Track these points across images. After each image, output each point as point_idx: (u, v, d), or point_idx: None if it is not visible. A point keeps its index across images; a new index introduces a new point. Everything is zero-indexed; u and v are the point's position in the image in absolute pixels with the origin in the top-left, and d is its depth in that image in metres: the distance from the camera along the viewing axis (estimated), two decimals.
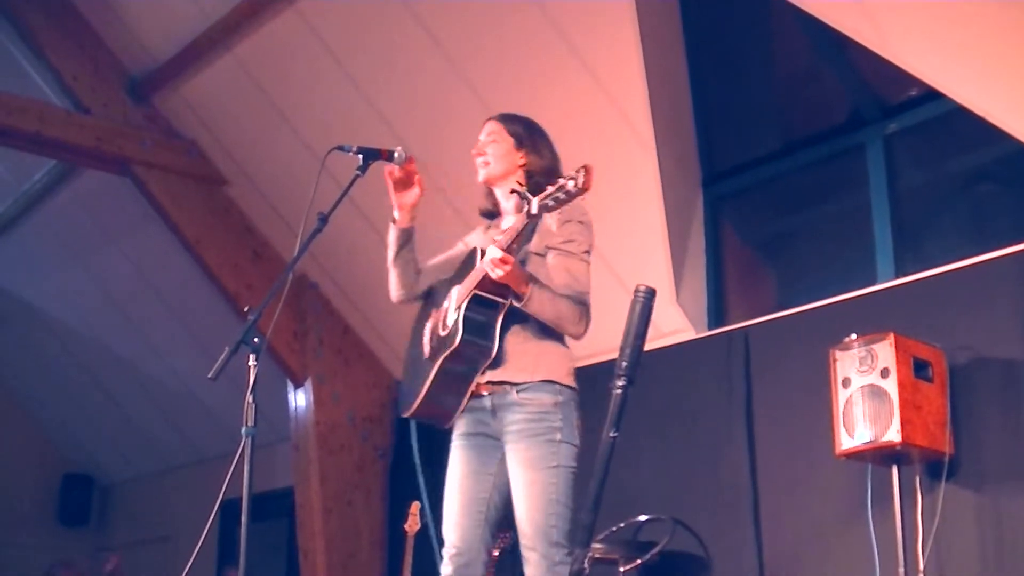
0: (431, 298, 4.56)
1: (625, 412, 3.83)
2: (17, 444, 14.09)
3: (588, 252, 4.30)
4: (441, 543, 4.36)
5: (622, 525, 6.61)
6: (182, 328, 11.34)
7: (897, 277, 6.42)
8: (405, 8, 7.44)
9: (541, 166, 4.42)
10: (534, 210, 3.86)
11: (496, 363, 4.17)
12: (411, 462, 7.54)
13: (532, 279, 4.09)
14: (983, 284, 5.81)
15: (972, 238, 6.38)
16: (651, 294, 3.88)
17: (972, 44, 5.54)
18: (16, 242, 11.76)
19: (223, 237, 9.61)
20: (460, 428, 4.37)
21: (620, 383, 3.86)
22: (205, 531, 4.04)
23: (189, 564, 4.16)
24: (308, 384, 9.58)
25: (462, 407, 4.28)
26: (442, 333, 4.27)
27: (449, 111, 7.63)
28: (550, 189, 3.83)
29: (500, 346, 4.15)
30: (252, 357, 3.85)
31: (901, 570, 5.35)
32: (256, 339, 3.85)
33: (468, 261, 4.32)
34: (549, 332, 4.26)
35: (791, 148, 7.29)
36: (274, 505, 10.51)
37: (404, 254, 4.48)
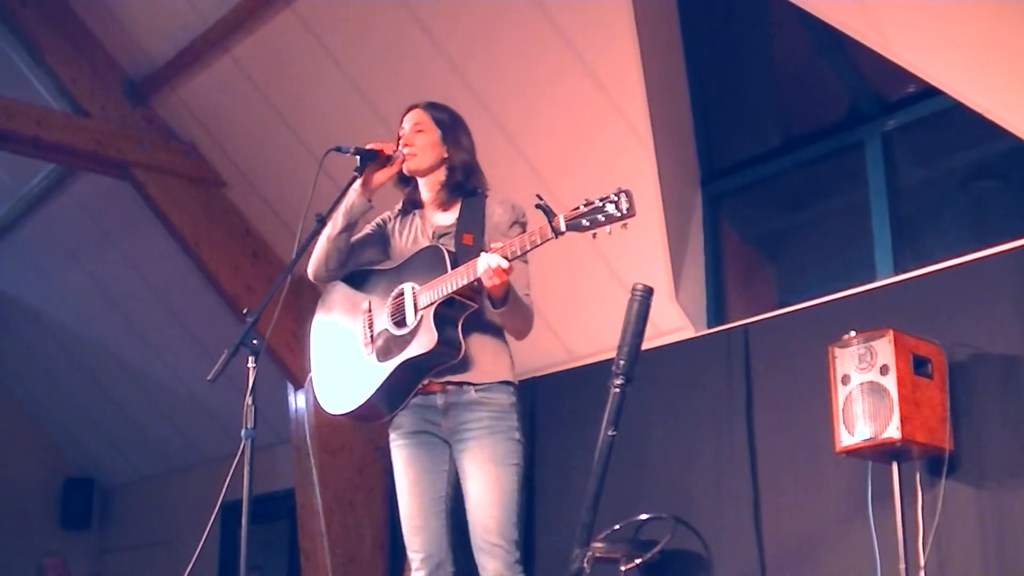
0: (355, 285, 4.43)
1: (624, 410, 3.83)
2: (19, 448, 14.10)
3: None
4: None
5: (623, 524, 6.62)
6: (182, 330, 11.35)
7: (896, 274, 6.42)
8: (404, 8, 7.44)
9: (462, 160, 4.37)
10: (562, 228, 3.76)
11: (458, 367, 4.11)
12: None
13: (510, 284, 4.01)
14: (982, 280, 5.80)
15: (971, 234, 6.39)
16: (648, 292, 3.88)
17: (970, 40, 5.54)
18: (16, 245, 11.77)
19: (222, 239, 9.62)
20: (402, 427, 4.29)
21: (618, 382, 3.87)
22: (206, 533, 4.04)
23: (190, 566, 4.15)
24: (308, 385, 9.56)
25: (401, 408, 4.22)
26: (396, 332, 4.16)
27: None
28: (583, 208, 3.74)
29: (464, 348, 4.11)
30: (251, 359, 3.84)
31: (902, 567, 5.35)
32: (255, 341, 3.84)
33: (428, 258, 4.18)
34: (500, 333, 4.24)
35: (790, 145, 7.29)
36: (275, 507, 10.52)
37: (352, 231, 4.34)
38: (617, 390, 3.87)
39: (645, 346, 3.97)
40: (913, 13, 5.59)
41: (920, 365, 5.44)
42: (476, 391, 4.14)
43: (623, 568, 6.37)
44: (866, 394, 5.37)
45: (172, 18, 8.74)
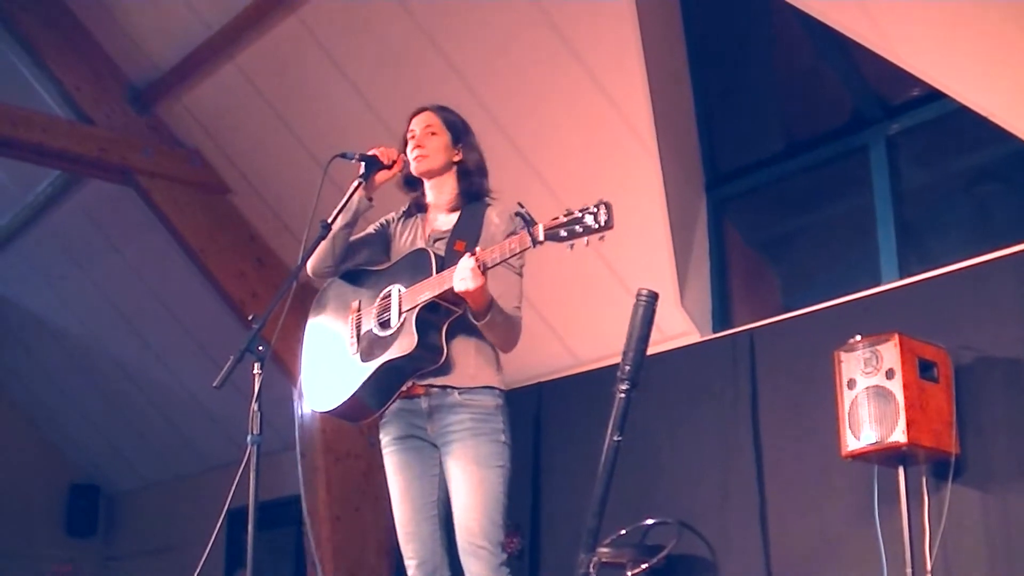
0: (350, 284, 4.44)
1: (629, 416, 3.82)
2: (24, 454, 14.08)
3: (523, 266, 4.24)
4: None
5: (629, 529, 6.62)
6: (187, 337, 11.35)
7: (901, 278, 6.42)
8: (407, 15, 7.45)
9: (476, 163, 4.38)
10: (540, 237, 3.75)
11: (440, 370, 4.10)
12: None
13: (492, 296, 3.99)
14: (987, 284, 5.80)
15: (975, 238, 6.38)
16: (653, 297, 3.87)
17: (974, 44, 5.55)
18: (20, 253, 11.78)
19: (227, 245, 9.62)
20: (391, 433, 4.29)
21: (623, 387, 3.86)
22: (212, 540, 4.04)
23: (196, 573, 4.16)
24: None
25: (386, 408, 4.21)
26: (380, 333, 4.15)
27: None
28: (562, 219, 3.72)
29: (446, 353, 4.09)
30: (257, 365, 3.84)
31: (908, 571, 5.35)
32: (261, 347, 3.84)
33: (416, 261, 4.19)
34: (486, 342, 4.21)
35: (794, 150, 7.29)
36: (281, 513, 10.50)
37: (351, 229, 4.35)
38: (622, 395, 3.86)
39: (650, 351, 3.97)
40: (916, 16, 5.59)
41: (926, 369, 5.45)
42: (459, 394, 4.13)
43: (629, 573, 6.35)
44: (872, 398, 5.38)
45: (176, 25, 8.75)
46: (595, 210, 3.67)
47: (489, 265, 3.88)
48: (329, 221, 4.21)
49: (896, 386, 5.30)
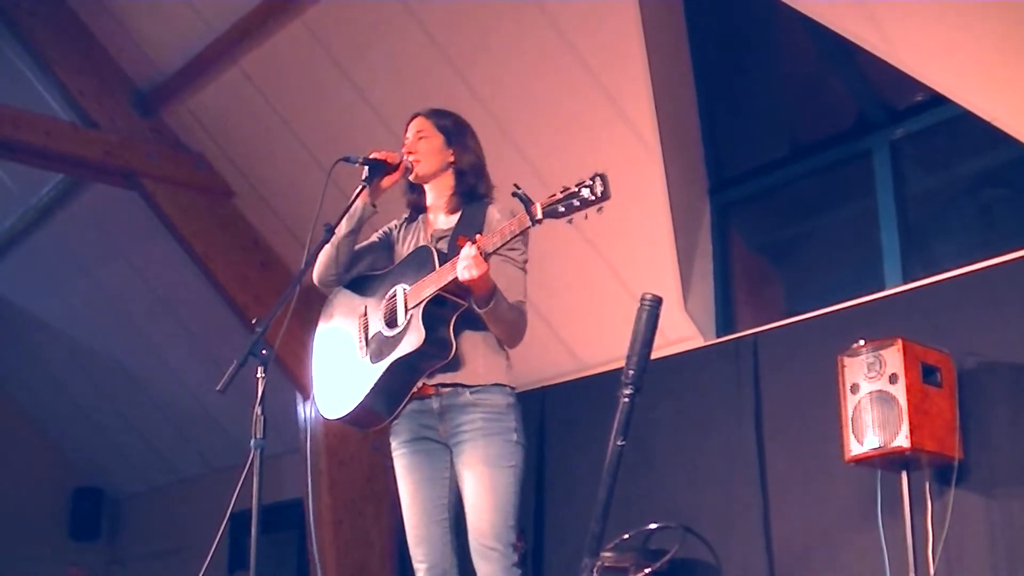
0: (355, 291, 4.44)
1: (633, 420, 3.82)
2: (27, 458, 14.10)
3: (526, 262, 4.24)
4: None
5: (632, 533, 6.61)
6: (191, 340, 11.36)
7: (905, 282, 6.42)
8: (411, 18, 7.46)
9: (470, 163, 4.38)
10: (539, 215, 3.75)
11: (449, 366, 4.10)
12: None
13: (496, 285, 3.99)
14: (991, 288, 5.80)
15: (979, 242, 6.38)
16: (657, 302, 3.87)
17: (978, 49, 5.55)
18: (25, 256, 11.78)
19: (231, 249, 9.62)
20: (401, 435, 4.28)
21: (627, 391, 3.86)
22: (215, 543, 4.05)
23: None
24: (311, 395, 9.57)
25: (399, 411, 4.20)
26: (388, 333, 4.15)
27: None
28: (559, 195, 3.72)
29: (455, 348, 4.09)
30: (260, 369, 3.84)
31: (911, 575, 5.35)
32: (264, 351, 3.84)
33: (418, 258, 4.20)
34: (494, 338, 4.21)
35: (798, 154, 7.29)
36: (284, 516, 10.51)
37: (355, 236, 4.37)
38: (626, 399, 3.86)
39: (654, 355, 3.97)
40: (920, 22, 5.59)
41: (929, 374, 5.44)
42: (471, 393, 4.13)
43: None
44: (875, 403, 5.37)
45: (180, 29, 8.75)
46: (591, 183, 3.68)
47: (490, 251, 3.88)
48: (333, 225, 4.22)
49: (899, 391, 5.30)
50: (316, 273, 4.41)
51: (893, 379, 5.33)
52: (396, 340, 4.10)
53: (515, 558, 4.06)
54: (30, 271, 12.02)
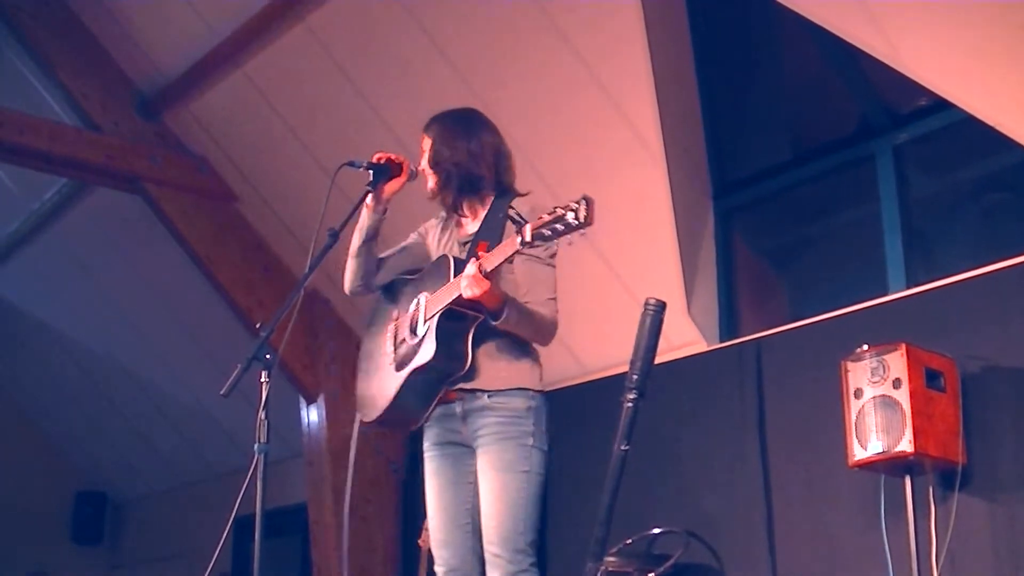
0: (391, 296, 4.49)
1: (636, 425, 3.82)
2: (30, 462, 14.07)
3: (554, 256, 4.25)
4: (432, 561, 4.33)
5: (636, 538, 6.60)
6: (194, 345, 11.36)
7: (908, 287, 6.41)
8: (414, 22, 7.46)
9: (447, 172, 4.35)
10: (527, 237, 3.78)
11: (468, 375, 4.13)
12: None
13: (506, 297, 4.02)
14: (994, 293, 5.80)
15: (983, 247, 6.37)
16: (661, 307, 3.88)
17: (982, 53, 5.54)
18: (28, 260, 11.79)
19: (234, 253, 9.62)
20: (431, 438, 4.33)
21: (631, 396, 3.87)
22: (218, 548, 4.05)
23: None
24: (321, 400, 9.58)
25: (428, 415, 4.23)
26: (411, 342, 4.20)
27: None
28: (546, 218, 3.74)
29: (472, 358, 4.11)
30: (264, 373, 3.84)
31: None
32: (268, 355, 3.85)
33: (438, 267, 4.24)
34: (518, 342, 4.22)
35: (801, 159, 7.29)
36: (287, 521, 10.50)
37: (371, 244, 4.40)
38: (630, 404, 3.86)
39: (657, 360, 3.97)
40: (924, 25, 5.59)
41: (932, 378, 5.44)
42: (488, 396, 4.15)
43: None
44: (879, 408, 5.37)
45: (184, 33, 8.75)
46: (576, 207, 3.67)
47: (488, 270, 3.91)
48: (337, 229, 4.22)
49: (903, 396, 5.29)
50: (345, 284, 4.49)
51: (897, 384, 5.32)
52: (415, 350, 4.16)
53: (524, 564, 4.06)
54: (34, 275, 12.03)
